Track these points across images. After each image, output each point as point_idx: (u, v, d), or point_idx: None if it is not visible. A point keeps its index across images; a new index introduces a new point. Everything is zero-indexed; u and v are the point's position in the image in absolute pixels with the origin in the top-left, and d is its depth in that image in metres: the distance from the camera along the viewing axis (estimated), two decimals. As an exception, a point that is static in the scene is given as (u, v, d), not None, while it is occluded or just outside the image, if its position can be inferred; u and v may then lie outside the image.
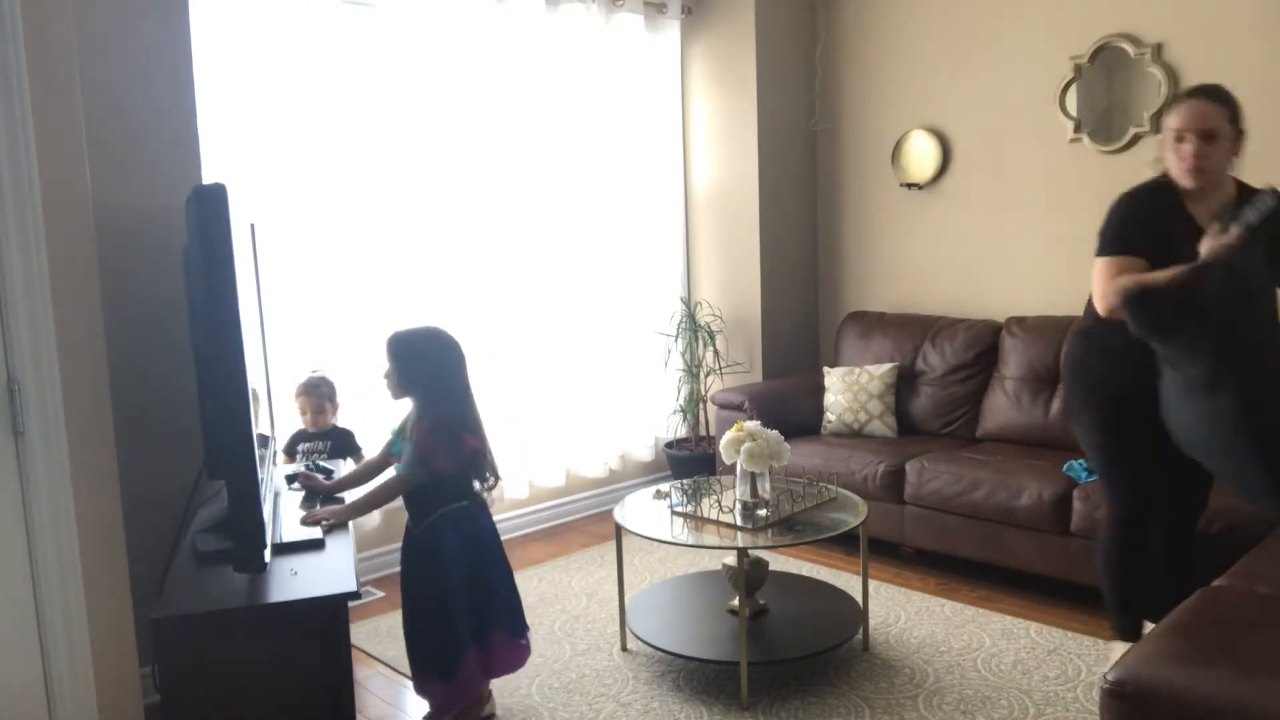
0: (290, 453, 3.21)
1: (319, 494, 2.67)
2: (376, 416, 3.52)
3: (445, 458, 2.45)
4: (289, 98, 3.46)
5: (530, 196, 4.21)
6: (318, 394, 3.22)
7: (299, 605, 1.94)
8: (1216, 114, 2.39)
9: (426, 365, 2.50)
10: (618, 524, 3.00)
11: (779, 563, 3.60)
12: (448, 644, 2.46)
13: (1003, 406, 3.95)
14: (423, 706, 2.65)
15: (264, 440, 2.42)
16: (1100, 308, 2.42)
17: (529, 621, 2.70)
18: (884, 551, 3.80)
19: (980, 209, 4.34)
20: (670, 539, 2.85)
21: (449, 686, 2.49)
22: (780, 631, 2.94)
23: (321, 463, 2.98)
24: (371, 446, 3.40)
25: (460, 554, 2.49)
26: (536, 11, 4.11)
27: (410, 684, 2.66)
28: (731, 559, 2.81)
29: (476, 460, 2.54)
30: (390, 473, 2.55)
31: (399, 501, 2.55)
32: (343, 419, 3.37)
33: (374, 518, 3.71)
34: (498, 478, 2.62)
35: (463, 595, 2.48)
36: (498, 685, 2.76)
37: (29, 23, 1.95)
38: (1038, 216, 4.15)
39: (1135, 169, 3.81)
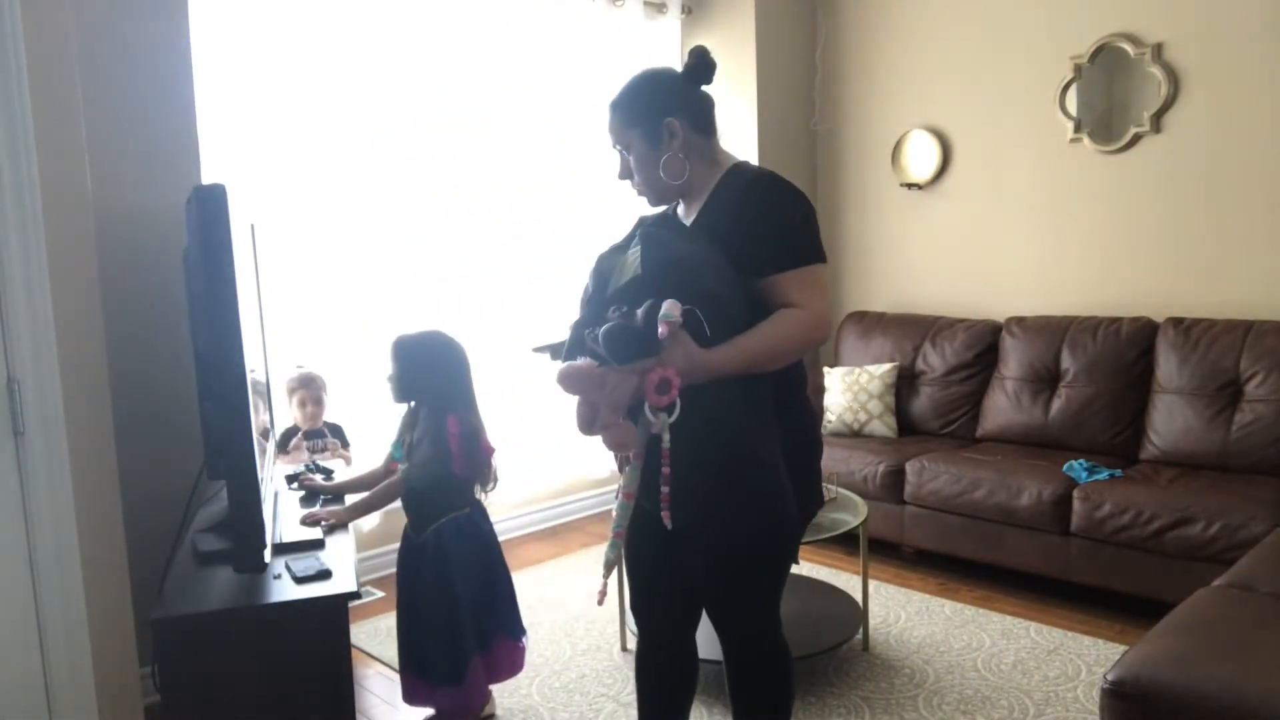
0: (284, 449, 3.19)
1: (319, 494, 2.67)
2: (372, 416, 3.53)
3: (463, 460, 2.45)
4: (289, 98, 3.45)
5: (531, 195, 4.21)
6: (314, 387, 3.21)
7: (299, 605, 1.93)
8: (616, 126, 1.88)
9: (439, 370, 2.50)
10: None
11: (779, 563, 3.60)
12: (455, 651, 2.46)
13: (1003, 406, 3.95)
14: (420, 709, 2.65)
15: (264, 440, 2.42)
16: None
17: (529, 622, 2.70)
18: (884, 551, 3.80)
19: (980, 209, 4.34)
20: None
21: (458, 692, 2.49)
22: (780, 631, 2.94)
23: (321, 463, 2.97)
24: (360, 444, 3.40)
25: (466, 560, 2.50)
26: (536, 10, 4.11)
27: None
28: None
29: (487, 465, 2.55)
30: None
31: (398, 502, 2.55)
32: (340, 418, 3.36)
33: (373, 518, 3.71)
34: (496, 482, 2.62)
35: (469, 601, 2.49)
36: (498, 685, 2.75)
37: (29, 23, 1.95)
38: (1038, 216, 4.14)
39: (1135, 169, 3.84)
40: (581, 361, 1.62)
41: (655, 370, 1.56)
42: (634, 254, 1.70)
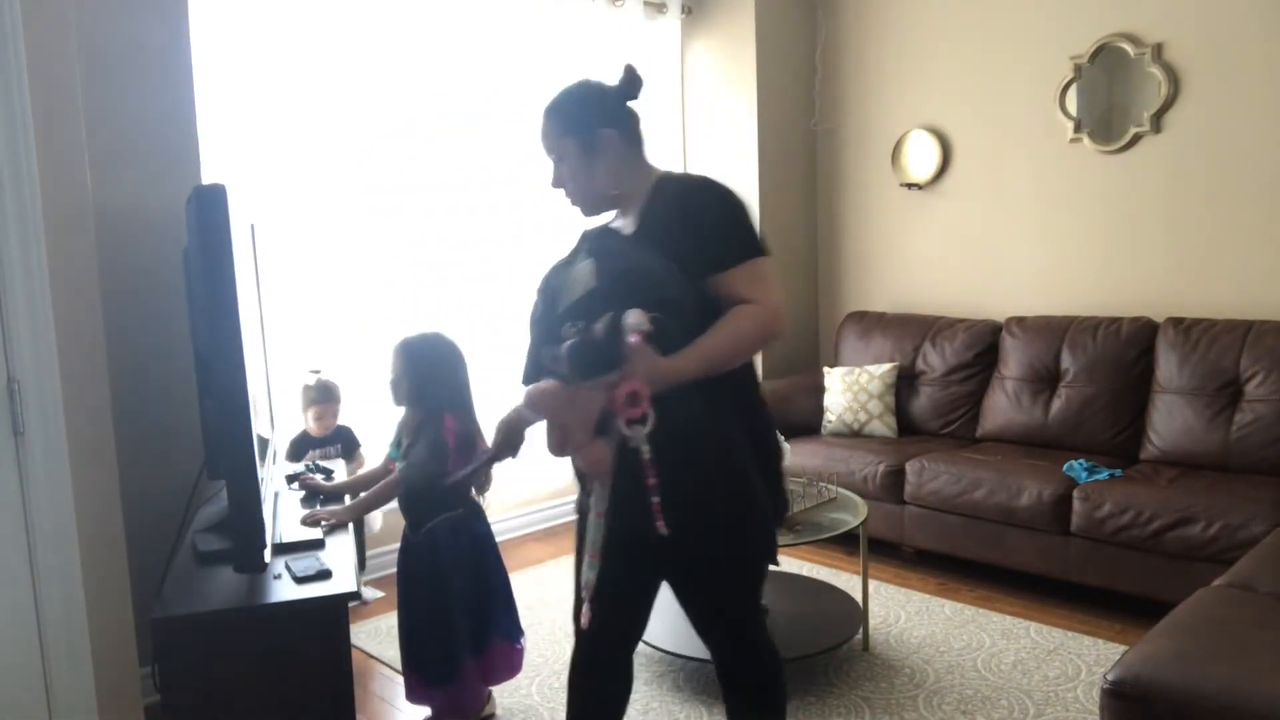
0: (298, 459, 3.19)
1: (319, 494, 2.67)
2: (372, 417, 3.53)
3: (459, 460, 2.45)
4: (289, 98, 3.46)
5: (531, 195, 4.21)
6: (332, 398, 3.22)
7: (299, 605, 1.93)
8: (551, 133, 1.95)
9: (441, 372, 2.50)
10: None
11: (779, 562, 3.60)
12: (449, 651, 2.47)
13: (1003, 406, 3.95)
14: (421, 708, 2.65)
15: (264, 441, 2.42)
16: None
17: (529, 622, 2.70)
18: (884, 551, 3.80)
19: (980, 209, 4.34)
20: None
21: (452, 693, 2.49)
22: (780, 631, 2.94)
23: (322, 463, 2.98)
24: (367, 445, 3.40)
25: (460, 561, 2.50)
26: (536, 10, 4.12)
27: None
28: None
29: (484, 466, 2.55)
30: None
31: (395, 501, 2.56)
32: (341, 419, 3.37)
33: (375, 518, 3.71)
34: (490, 483, 2.62)
35: (463, 603, 2.49)
36: (498, 686, 2.76)
37: (29, 23, 1.94)
38: (1038, 216, 4.14)
39: (1135, 169, 3.84)
40: (547, 383, 1.58)
41: (622, 384, 1.51)
42: (585, 267, 1.66)
